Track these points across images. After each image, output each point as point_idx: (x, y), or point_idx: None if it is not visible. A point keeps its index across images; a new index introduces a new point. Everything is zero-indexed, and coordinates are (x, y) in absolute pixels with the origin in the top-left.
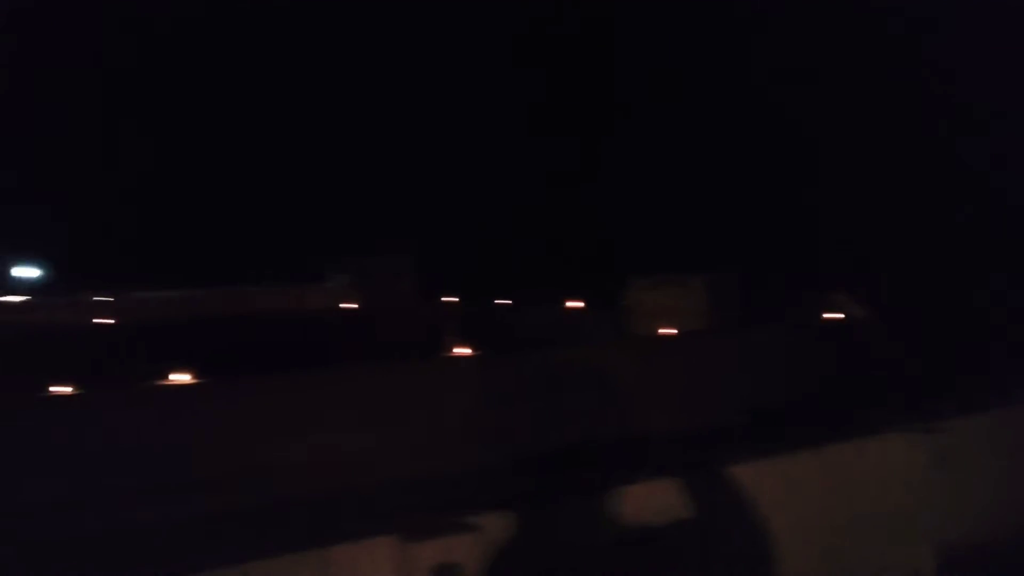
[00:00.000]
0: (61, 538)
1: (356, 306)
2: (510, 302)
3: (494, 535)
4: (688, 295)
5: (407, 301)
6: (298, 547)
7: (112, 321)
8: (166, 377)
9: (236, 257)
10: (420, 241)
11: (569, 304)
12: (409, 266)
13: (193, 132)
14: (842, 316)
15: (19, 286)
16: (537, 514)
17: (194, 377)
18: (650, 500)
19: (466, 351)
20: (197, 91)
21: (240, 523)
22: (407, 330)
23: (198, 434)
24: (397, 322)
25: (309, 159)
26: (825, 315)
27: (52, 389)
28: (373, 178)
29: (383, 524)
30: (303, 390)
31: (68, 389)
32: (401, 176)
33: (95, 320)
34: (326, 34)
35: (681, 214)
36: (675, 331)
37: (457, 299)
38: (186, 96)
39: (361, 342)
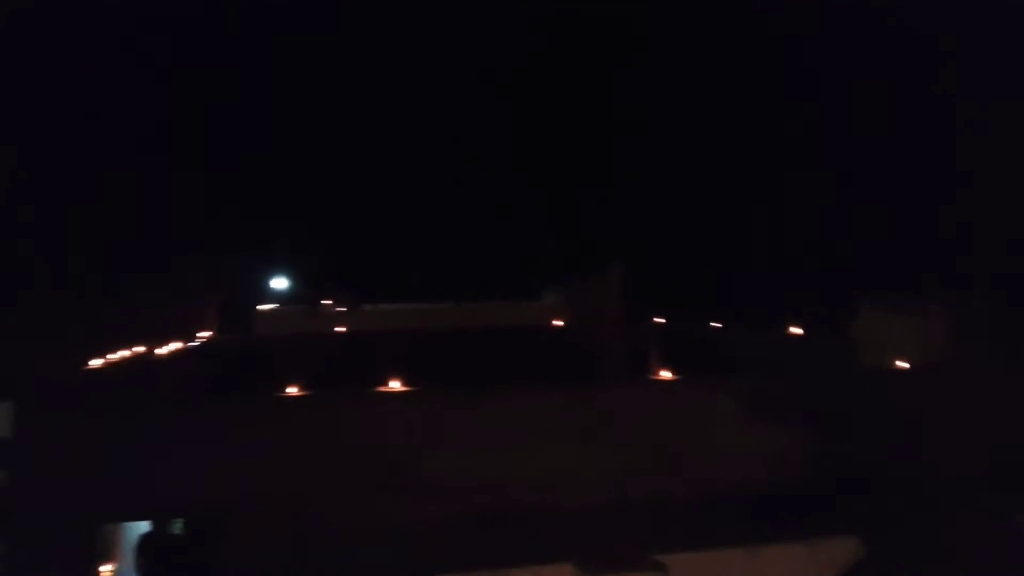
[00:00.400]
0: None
1: (563, 323)
2: (722, 325)
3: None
4: (930, 326)
5: (612, 320)
6: (460, 559)
7: (344, 330)
8: (384, 384)
9: (460, 273)
10: (631, 260)
11: (791, 330)
12: (615, 284)
13: (426, 152)
14: None
15: (272, 296)
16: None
17: (406, 385)
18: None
19: (667, 374)
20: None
21: (449, 530)
22: (610, 349)
23: (410, 439)
24: (601, 341)
25: (532, 176)
26: None
27: (288, 390)
28: (588, 196)
29: (572, 551)
30: (500, 406)
31: (295, 391)
32: (613, 194)
33: (336, 328)
34: None
35: (914, 225)
36: (909, 365)
37: (664, 320)
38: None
39: (562, 360)
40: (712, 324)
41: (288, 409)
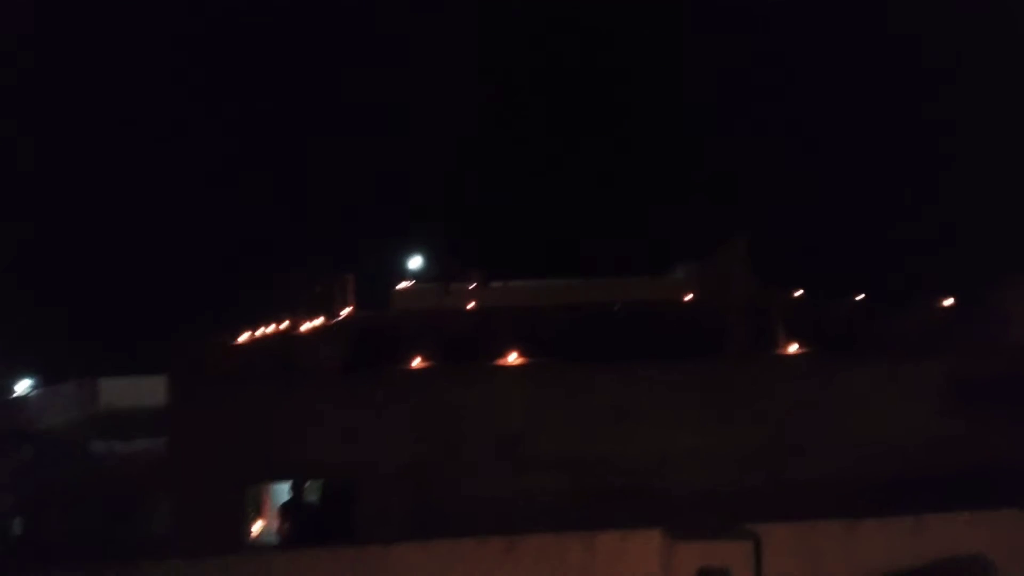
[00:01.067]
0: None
1: (692, 298)
2: (866, 298)
3: (767, 547)
4: None
5: (738, 294)
6: (563, 529)
7: (472, 306)
8: (504, 358)
9: (592, 249)
10: (765, 233)
11: (941, 303)
12: (740, 257)
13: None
14: None
15: (410, 275)
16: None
17: (526, 359)
18: None
19: (793, 348)
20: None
21: (571, 501)
22: (734, 324)
23: (524, 411)
24: (726, 315)
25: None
26: None
27: (414, 364)
28: (716, 171)
29: (664, 520)
30: (628, 383)
31: (418, 362)
32: (741, 166)
33: (467, 306)
34: None
35: None
36: None
37: (801, 293)
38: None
39: (684, 336)
40: (855, 298)
41: (407, 382)
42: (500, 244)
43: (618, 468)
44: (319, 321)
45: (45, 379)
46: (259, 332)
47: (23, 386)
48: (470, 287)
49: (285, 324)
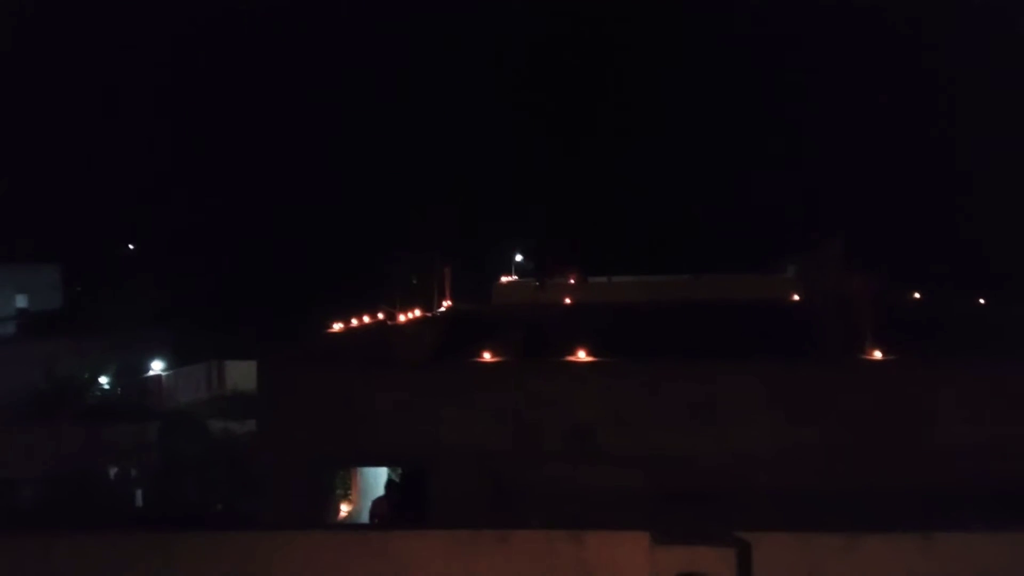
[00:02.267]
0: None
1: (797, 297)
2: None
3: (760, 555)
4: None
5: (833, 294)
6: (550, 526)
7: (569, 302)
8: (574, 355)
9: (705, 246)
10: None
11: None
12: (835, 256)
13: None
14: None
15: (514, 269)
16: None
17: (595, 356)
18: None
19: (878, 354)
20: None
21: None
22: (825, 326)
23: (603, 407)
24: (820, 316)
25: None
26: None
27: (484, 357)
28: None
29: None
30: (703, 381)
31: (488, 357)
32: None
33: (565, 300)
34: None
35: None
36: None
37: (920, 294)
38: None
39: (782, 336)
40: (977, 299)
41: (485, 374)
42: (608, 240)
43: (689, 468)
44: (417, 313)
45: (179, 360)
46: (355, 323)
47: (158, 366)
48: (569, 282)
49: (381, 315)
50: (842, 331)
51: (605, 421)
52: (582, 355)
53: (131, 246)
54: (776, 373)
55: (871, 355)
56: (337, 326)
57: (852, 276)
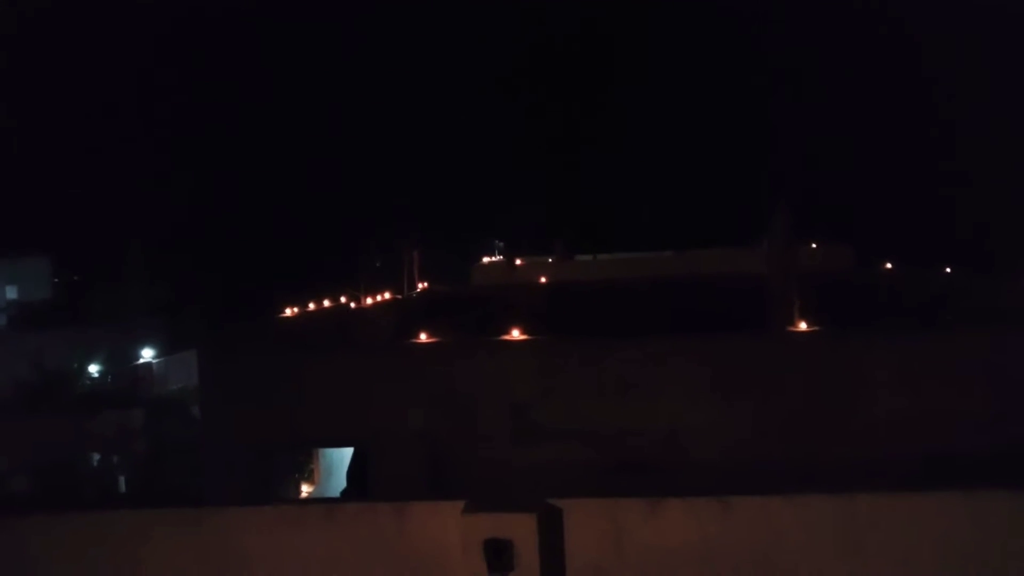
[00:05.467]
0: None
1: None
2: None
3: (571, 521)
4: None
5: (778, 266)
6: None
7: (545, 280)
8: (513, 333)
9: (682, 220)
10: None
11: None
12: (782, 227)
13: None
14: None
15: (494, 249)
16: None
17: (524, 334)
18: None
19: (803, 326)
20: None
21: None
22: (770, 299)
23: (541, 385)
24: (769, 289)
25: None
26: None
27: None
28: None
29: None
30: (639, 358)
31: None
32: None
33: (540, 280)
34: None
35: None
36: None
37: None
38: None
39: (738, 309)
40: (945, 269)
41: (419, 355)
42: (596, 216)
43: (624, 442)
44: (387, 296)
45: (172, 349)
46: (312, 307)
47: (148, 354)
48: (550, 260)
49: (343, 299)
50: (780, 304)
51: (541, 398)
52: (516, 334)
53: (125, 237)
54: (708, 348)
55: (798, 328)
56: (291, 310)
57: (794, 248)
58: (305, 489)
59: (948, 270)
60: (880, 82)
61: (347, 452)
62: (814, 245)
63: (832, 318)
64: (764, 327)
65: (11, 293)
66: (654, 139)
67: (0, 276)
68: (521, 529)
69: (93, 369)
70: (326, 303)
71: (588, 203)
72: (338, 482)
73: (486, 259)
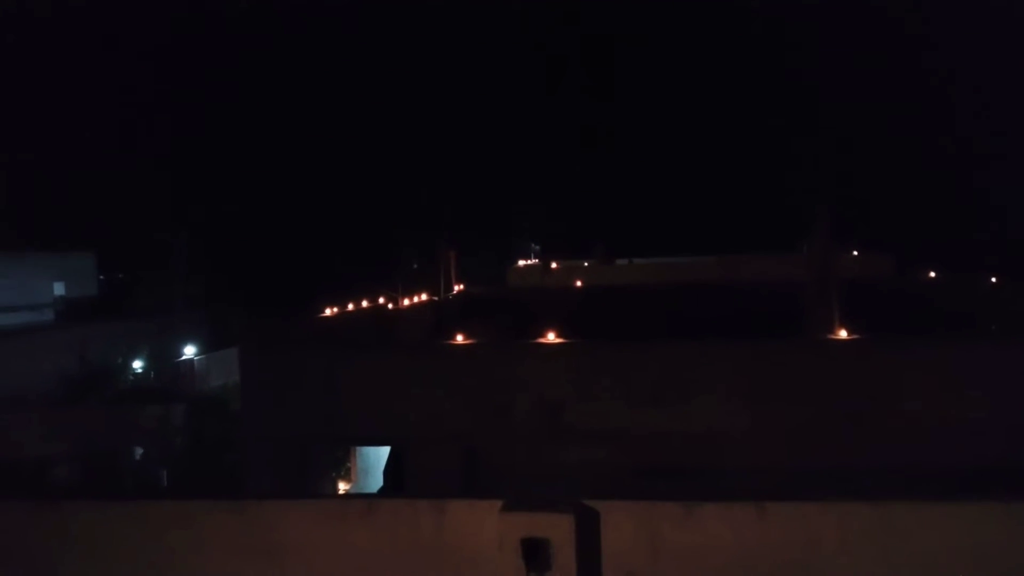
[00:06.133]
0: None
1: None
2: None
3: (607, 523)
4: None
5: (818, 273)
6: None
7: (579, 284)
8: (544, 336)
9: (726, 225)
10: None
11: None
12: (823, 233)
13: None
14: None
15: (532, 252)
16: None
17: (561, 337)
18: None
19: (843, 334)
20: None
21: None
22: (808, 306)
23: (574, 387)
24: (808, 296)
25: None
26: None
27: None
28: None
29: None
30: (672, 361)
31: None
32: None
33: (576, 284)
34: None
35: None
36: None
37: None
38: None
39: (785, 316)
40: (990, 278)
41: (456, 356)
42: (635, 221)
43: (655, 445)
44: (423, 297)
45: (214, 346)
46: (352, 307)
47: (190, 351)
48: (585, 264)
49: (382, 300)
50: (820, 311)
51: (575, 400)
52: (551, 336)
53: (171, 235)
54: (744, 353)
55: (838, 335)
56: (330, 310)
57: (834, 255)
58: (342, 487)
59: (993, 279)
60: (927, 88)
61: (384, 452)
62: (855, 252)
63: (872, 325)
64: (801, 333)
65: (58, 289)
66: (694, 143)
67: (48, 272)
68: (558, 529)
69: (137, 365)
70: (364, 304)
71: (625, 207)
72: (375, 481)
73: (521, 262)
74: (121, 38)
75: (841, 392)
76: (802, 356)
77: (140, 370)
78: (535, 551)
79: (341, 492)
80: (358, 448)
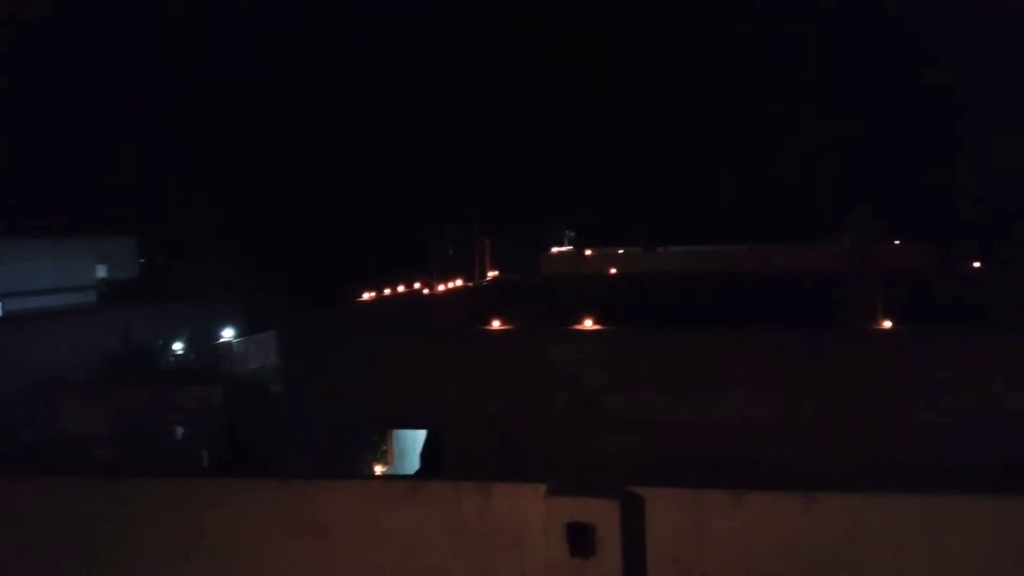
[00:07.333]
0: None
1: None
2: None
3: (652, 509)
4: None
5: (856, 264)
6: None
7: (615, 271)
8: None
9: (762, 215)
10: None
11: None
12: (863, 227)
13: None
14: None
15: (567, 239)
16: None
17: (597, 325)
18: None
19: (887, 324)
20: None
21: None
22: (846, 297)
23: (609, 374)
24: (847, 287)
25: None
26: None
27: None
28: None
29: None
30: (707, 350)
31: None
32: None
33: (610, 271)
34: None
35: None
36: None
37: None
38: None
39: (821, 306)
40: None
41: (493, 341)
42: (669, 209)
43: (690, 434)
44: (458, 283)
45: (253, 328)
46: (388, 292)
47: (229, 334)
48: (620, 252)
49: (417, 285)
50: (861, 302)
51: (610, 388)
52: (588, 323)
53: (210, 222)
54: (783, 343)
55: (880, 326)
56: (367, 295)
57: (873, 247)
58: (378, 469)
59: None
60: (974, 79)
61: (420, 435)
62: (896, 242)
63: (914, 317)
64: (838, 324)
65: (100, 271)
66: (732, 133)
67: (90, 255)
68: (604, 514)
69: (177, 346)
70: (400, 289)
71: (660, 195)
72: (411, 463)
73: (555, 249)
74: (179, 24)
75: (882, 384)
76: (843, 347)
77: (180, 351)
78: (580, 536)
79: (378, 474)
80: (394, 431)
